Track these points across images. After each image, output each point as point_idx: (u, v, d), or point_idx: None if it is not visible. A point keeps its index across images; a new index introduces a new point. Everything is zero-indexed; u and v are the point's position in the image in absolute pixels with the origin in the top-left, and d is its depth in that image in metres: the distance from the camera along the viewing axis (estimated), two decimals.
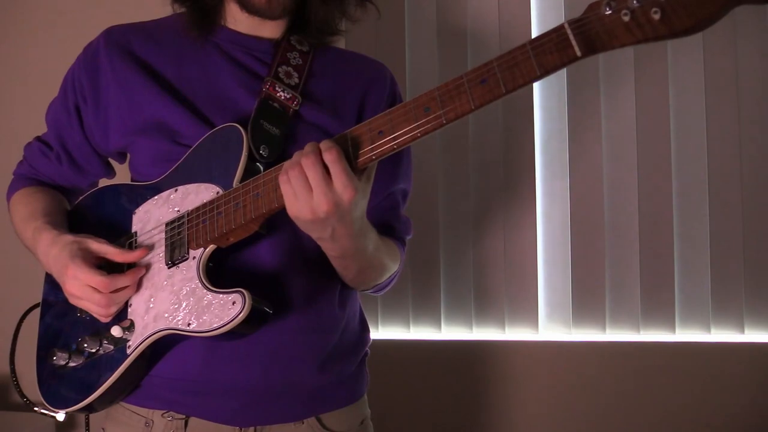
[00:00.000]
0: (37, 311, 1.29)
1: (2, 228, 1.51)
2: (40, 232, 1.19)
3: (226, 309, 1.00)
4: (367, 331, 1.33)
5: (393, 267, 1.27)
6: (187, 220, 1.10)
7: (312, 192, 0.94)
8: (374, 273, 1.22)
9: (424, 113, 0.91)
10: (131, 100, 1.19)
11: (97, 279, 1.07)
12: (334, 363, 1.21)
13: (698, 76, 2.05)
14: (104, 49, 1.23)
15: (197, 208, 1.10)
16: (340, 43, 1.34)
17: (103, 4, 2.14)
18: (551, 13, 2.12)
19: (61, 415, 1.19)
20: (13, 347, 1.32)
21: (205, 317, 1.02)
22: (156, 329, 1.07)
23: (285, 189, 0.96)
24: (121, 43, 1.23)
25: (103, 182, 1.34)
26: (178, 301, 1.06)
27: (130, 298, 1.12)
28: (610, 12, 0.77)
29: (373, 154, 0.95)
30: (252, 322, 1.02)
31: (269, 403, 1.16)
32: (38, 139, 1.34)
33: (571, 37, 0.79)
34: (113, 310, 1.10)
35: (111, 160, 1.35)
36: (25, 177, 1.34)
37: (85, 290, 1.08)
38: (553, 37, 0.81)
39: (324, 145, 0.94)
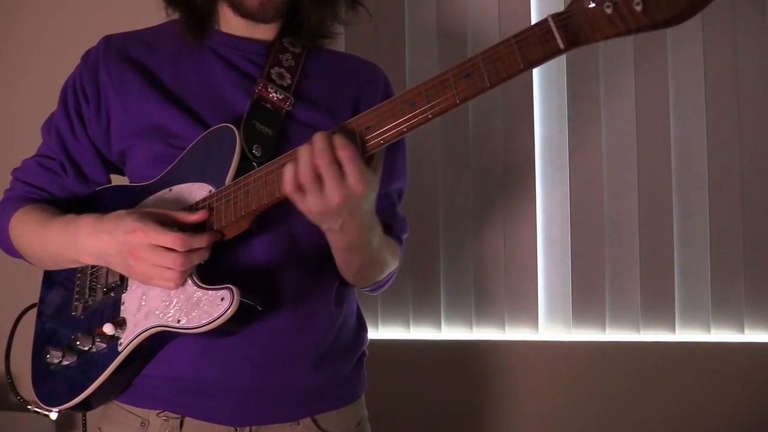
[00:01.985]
0: (34, 312, 1.29)
1: None
2: (75, 220, 1.15)
3: (214, 305, 1.01)
4: (365, 330, 1.32)
5: (393, 264, 1.27)
6: None
7: (324, 187, 0.93)
8: (376, 268, 1.22)
9: (410, 108, 0.91)
10: (129, 104, 1.20)
11: (172, 236, 1.01)
12: (330, 362, 1.21)
13: (698, 76, 2.05)
14: (103, 55, 1.24)
15: (189, 207, 1.11)
16: (340, 44, 1.34)
17: (100, 10, 2.15)
18: None
19: (53, 414, 1.19)
20: (8, 347, 1.32)
21: (194, 314, 1.02)
22: (147, 326, 1.07)
23: (291, 186, 0.95)
24: (118, 50, 1.24)
25: None
26: (169, 299, 1.06)
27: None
28: (593, 5, 0.78)
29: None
30: (241, 318, 1.02)
31: (264, 403, 1.15)
32: (33, 157, 1.30)
33: (555, 30, 0.80)
34: (187, 273, 1.05)
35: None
36: (20, 198, 1.26)
37: (157, 252, 1.02)
38: (537, 30, 0.82)
39: (339, 142, 0.93)
